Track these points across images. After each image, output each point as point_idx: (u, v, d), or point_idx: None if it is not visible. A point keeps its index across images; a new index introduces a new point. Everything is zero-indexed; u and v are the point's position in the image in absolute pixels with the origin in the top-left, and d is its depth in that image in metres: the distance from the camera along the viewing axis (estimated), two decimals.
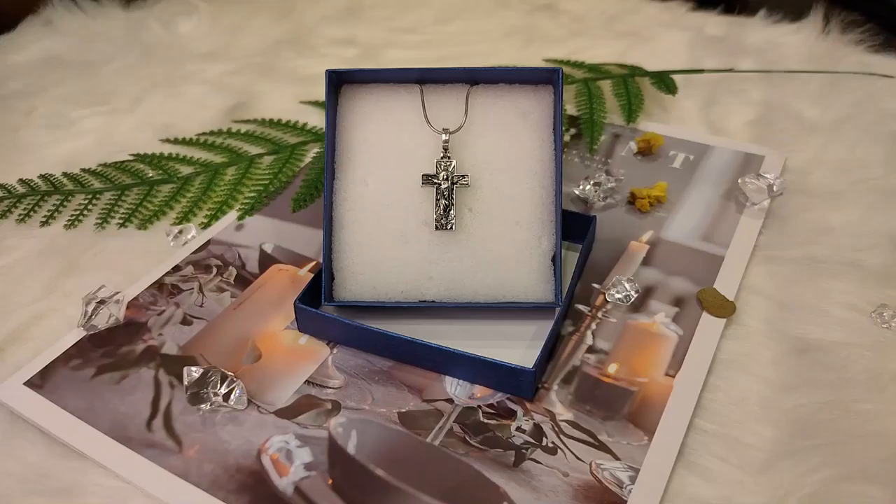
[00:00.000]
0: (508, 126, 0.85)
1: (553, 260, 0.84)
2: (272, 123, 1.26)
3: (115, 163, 1.16)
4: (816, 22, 1.50)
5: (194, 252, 0.94)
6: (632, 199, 1.04)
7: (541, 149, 0.85)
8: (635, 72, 1.32)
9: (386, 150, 0.86)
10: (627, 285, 0.88)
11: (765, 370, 0.80)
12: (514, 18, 1.63)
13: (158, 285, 0.93)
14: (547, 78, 0.85)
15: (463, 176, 0.83)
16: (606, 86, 1.28)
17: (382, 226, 0.82)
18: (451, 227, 0.83)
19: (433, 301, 0.84)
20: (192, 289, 0.93)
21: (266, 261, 0.91)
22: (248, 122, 1.26)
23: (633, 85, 1.27)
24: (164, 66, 1.49)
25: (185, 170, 1.15)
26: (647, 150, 1.15)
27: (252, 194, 1.02)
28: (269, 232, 0.95)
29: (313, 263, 0.91)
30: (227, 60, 1.51)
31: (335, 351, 0.81)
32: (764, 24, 1.57)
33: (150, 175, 1.14)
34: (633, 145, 1.17)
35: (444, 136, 0.83)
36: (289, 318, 0.82)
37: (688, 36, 1.53)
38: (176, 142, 1.23)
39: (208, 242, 0.98)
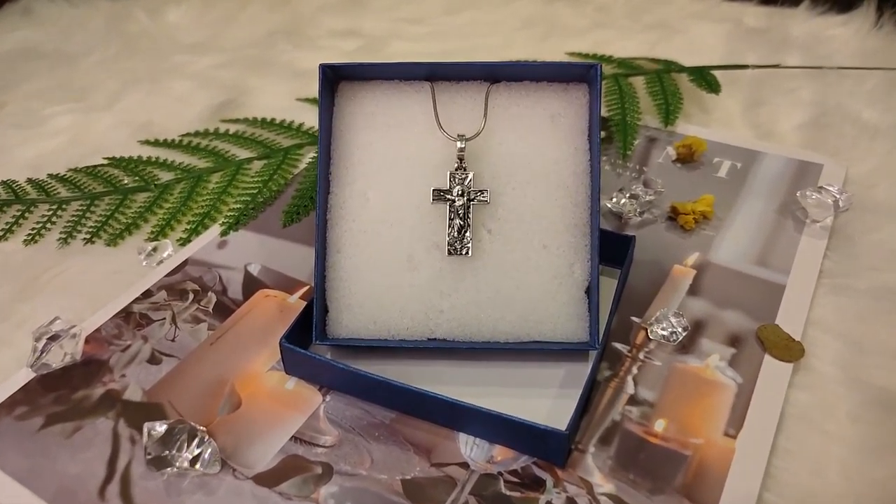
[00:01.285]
0: (535, 131, 0.72)
1: (588, 292, 0.71)
2: (264, 123, 1.13)
3: (87, 167, 1.04)
4: (867, 14, 1.36)
5: (169, 274, 0.81)
6: (673, 215, 0.90)
7: (573, 158, 0.72)
8: (670, 67, 1.18)
9: (390, 160, 0.73)
10: (674, 320, 0.75)
11: (843, 428, 0.67)
12: (530, 8, 1.49)
13: (125, 314, 0.81)
14: (580, 75, 0.72)
15: (481, 191, 0.70)
16: (639, 83, 1.15)
17: (385, 249, 0.69)
18: (467, 252, 0.70)
19: (444, 339, 0.71)
20: (164, 319, 0.80)
21: (251, 285, 0.79)
22: (236, 121, 1.14)
23: (670, 82, 1.14)
24: (148, 59, 1.37)
25: (165, 176, 1.03)
26: (688, 157, 1.01)
27: (238, 205, 0.90)
28: (255, 250, 0.83)
29: (306, 289, 0.78)
30: (216, 52, 1.38)
31: (328, 398, 0.68)
32: (808, 15, 1.43)
33: (125, 182, 1.01)
34: (671, 151, 1.03)
35: (458, 144, 0.70)
36: (275, 357, 0.70)
37: (724, 28, 1.39)
38: (156, 143, 1.11)
39: (185, 262, 0.86)
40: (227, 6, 1.56)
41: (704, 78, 1.13)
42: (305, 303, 0.76)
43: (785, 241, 0.88)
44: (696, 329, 0.77)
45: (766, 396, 0.69)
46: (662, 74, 1.15)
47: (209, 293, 0.81)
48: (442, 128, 0.71)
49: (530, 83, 0.74)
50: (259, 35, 1.43)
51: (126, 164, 1.04)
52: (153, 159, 1.03)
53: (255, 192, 0.93)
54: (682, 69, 1.18)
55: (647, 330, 0.76)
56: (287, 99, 1.16)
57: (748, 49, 1.30)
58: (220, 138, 1.07)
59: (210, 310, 0.79)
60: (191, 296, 0.83)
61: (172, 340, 0.78)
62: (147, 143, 1.08)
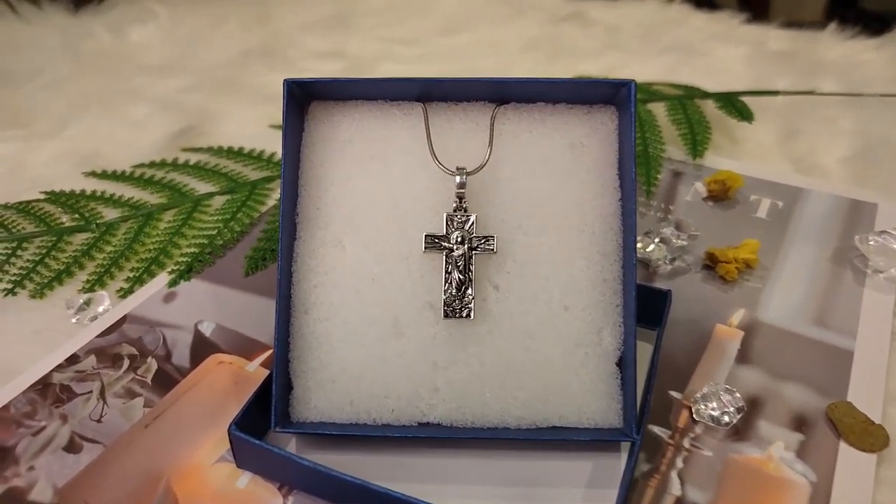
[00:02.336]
0: (552, 164, 0.59)
1: (621, 364, 0.57)
2: (230, 153, 1.00)
3: (19, 203, 0.91)
4: None
5: (102, 334, 0.68)
6: (711, 263, 0.78)
7: (601, 198, 0.59)
8: (693, 93, 1.07)
9: (372, 198, 0.59)
10: (726, 398, 0.61)
11: None
12: (535, 29, 1.38)
13: (42, 386, 0.66)
14: (608, 95, 0.59)
15: (486, 238, 0.57)
16: (658, 110, 1.03)
17: (366, 310, 0.56)
18: (468, 315, 0.56)
19: (440, 426, 0.57)
20: (90, 393, 0.66)
21: (202, 348, 0.66)
22: (198, 150, 1.00)
23: (694, 109, 1.02)
24: (104, 81, 1.24)
25: (110, 214, 0.89)
26: (722, 195, 0.89)
27: (192, 249, 0.76)
28: (210, 305, 0.73)
29: (269, 354, 0.64)
30: (182, 74, 1.26)
31: (290, 501, 0.54)
32: (836, 39, 1.33)
33: (62, 221, 0.88)
34: (700, 187, 0.91)
35: (457, 179, 0.57)
36: (225, 444, 0.55)
37: (747, 51, 1.28)
38: (102, 176, 0.97)
39: (123, 319, 0.72)
40: (200, 24, 1.44)
41: (734, 104, 1.01)
42: (268, 372, 0.61)
43: (845, 295, 0.75)
44: (752, 408, 0.63)
45: (849, 497, 0.55)
46: (685, 101, 1.03)
47: (149, 359, 0.67)
48: (437, 159, 0.58)
49: (546, 105, 0.61)
50: (231, 55, 1.30)
51: (65, 200, 0.91)
52: (98, 194, 0.90)
53: (213, 233, 0.80)
54: (706, 95, 1.06)
55: (691, 409, 0.62)
56: (258, 125, 1.03)
57: (776, 73, 1.19)
58: (178, 170, 0.94)
59: (148, 380, 0.65)
60: (126, 362, 0.69)
61: (98, 421, 0.63)
62: (93, 175, 0.95)
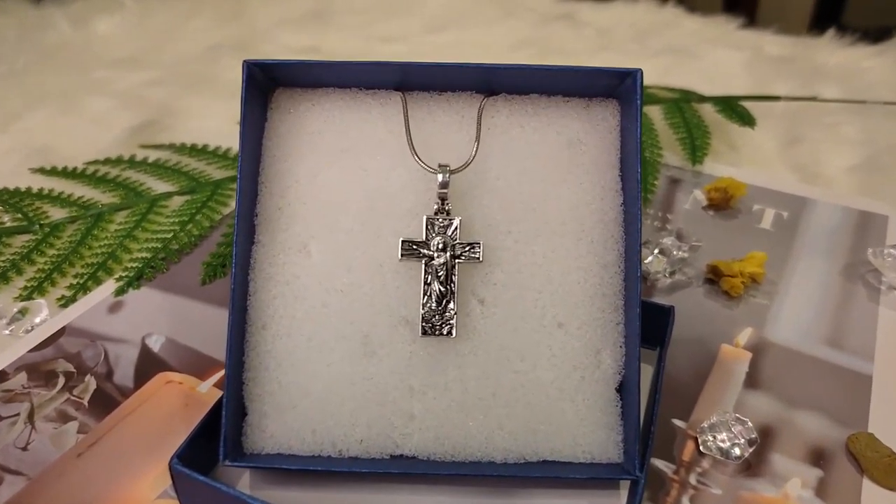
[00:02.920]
0: (547, 163, 0.53)
1: (621, 390, 0.50)
2: (193, 150, 0.93)
3: None
4: None
5: (36, 348, 0.61)
6: (714, 277, 0.72)
7: (600, 202, 0.52)
8: (690, 97, 1.01)
9: (343, 198, 0.53)
10: (736, 428, 0.55)
11: None
12: (524, 29, 1.32)
13: None
14: (610, 87, 0.53)
15: (471, 245, 0.50)
16: (654, 113, 0.97)
17: (332, 326, 0.49)
18: (450, 332, 0.49)
19: (415, 458, 0.50)
20: (17, 416, 0.58)
21: (148, 365, 0.60)
22: (159, 147, 0.92)
23: (692, 113, 0.96)
24: (64, 74, 1.16)
25: (56, 214, 0.82)
26: (723, 203, 0.83)
27: (144, 254, 0.68)
28: (160, 316, 0.68)
29: (222, 373, 0.56)
30: (148, 68, 1.18)
31: None
32: (836, 45, 1.28)
33: (3, 221, 0.80)
34: (700, 195, 0.85)
35: (440, 177, 0.50)
36: (168, 478, 0.47)
37: (744, 56, 1.23)
38: (52, 172, 0.89)
39: (62, 331, 0.64)
40: (170, 17, 1.37)
41: (734, 109, 0.96)
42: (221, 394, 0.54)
43: (859, 313, 0.70)
44: (765, 439, 0.57)
45: None
46: (682, 104, 0.97)
47: (87, 377, 0.60)
48: (417, 155, 0.51)
49: (539, 97, 0.55)
50: (201, 49, 1.23)
51: (8, 198, 0.83)
52: (46, 192, 0.82)
53: (169, 236, 0.73)
54: (703, 99, 1.00)
55: (697, 440, 0.56)
56: (224, 121, 0.96)
57: (774, 79, 1.14)
58: (135, 167, 0.87)
59: (85, 402, 0.58)
60: (61, 381, 0.61)
61: (24, 448, 0.56)
62: (41, 171, 0.86)
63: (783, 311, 0.70)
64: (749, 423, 0.56)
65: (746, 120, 0.94)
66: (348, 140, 0.54)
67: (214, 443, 0.50)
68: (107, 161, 0.92)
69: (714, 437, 0.56)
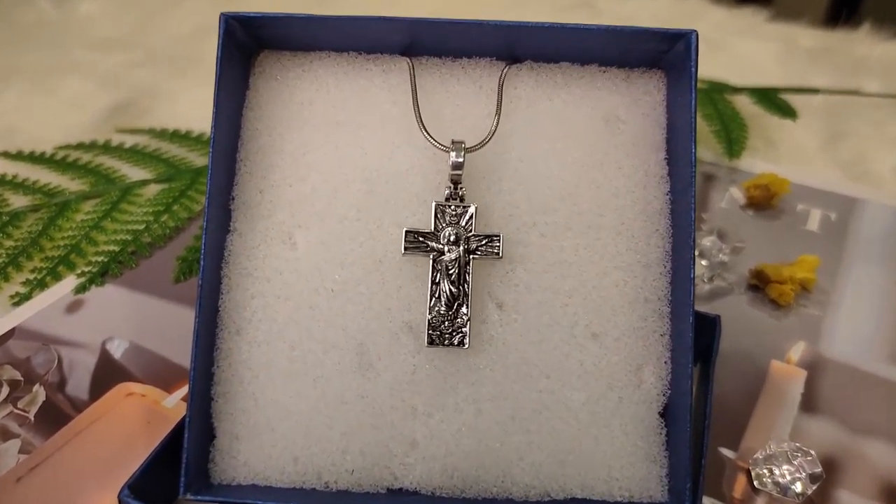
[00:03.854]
0: (580, 143, 0.45)
1: (666, 414, 0.42)
2: (175, 136, 0.85)
3: None
4: None
5: None
6: (759, 283, 0.64)
7: (643, 189, 0.45)
8: (721, 87, 0.93)
9: (336, 180, 0.45)
10: (797, 460, 0.46)
11: None
12: (540, 18, 1.24)
13: None
14: (656, 54, 0.45)
15: (488, 238, 0.42)
16: None
17: (321, 332, 0.41)
18: (462, 342, 0.41)
19: (417, 493, 0.42)
20: None
21: (108, 375, 0.55)
22: (137, 131, 0.84)
23: (725, 105, 0.88)
24: (40, 53, 1.09)
25: (19, 202, 0.74)
26: (764, 202, 0.75)
27: (112, 247, 0.60)
28: (125, 318, 0.62)
29: None
30: (132, 49, 1.11)
31: None
32: (874, 38, 1.20)
33: None
34: (737, 193, 0.77)
35: (453, 156, 0.42)
36: None
37: (777, 47, 1.16)
38: (17, 157, 0.82)
39: (11, 333, 0.57)
40: None
41: (772, 100, 0.88)
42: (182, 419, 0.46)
43: None
44: (829, 472, 0.49)
45: None
46: (714, 95, 0.90)
47: (35, 387, 0.53)
48: (426, 130, 0.43)
49: (571, 66, 0.47)
50: (192, 30, 1.15)
51: None
52: (10, 178, 0.74)
53: (140, 227, 0.64)
54: (737, 90, 0.93)
55: (750, 473, 0.48)
56: (210, 107, 0.87)
57: (810, 72, 1.06)
58: (109, 153, 0.80)
59: (31, 416, 0.51)
60: (4, 390, 0.53)
61: None
62: (4, 155, 0.78)
63: (838, 323, 0.62)
64: (813, 455, 0.48)
65: (787, 112, 0.87)
66: (345, 112, 0.46)
67: (175, 471, 0.41)
68: (79, 146, 0.85)
69: (770, 471, 0.48)
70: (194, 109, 0.94)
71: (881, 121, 0.95)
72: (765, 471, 0.48)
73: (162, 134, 0.86)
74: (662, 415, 0.44)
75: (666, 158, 0.46)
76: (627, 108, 0.47)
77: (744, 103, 0.91)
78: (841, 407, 0.55)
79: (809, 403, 0.55)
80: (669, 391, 0.44)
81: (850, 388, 0.56)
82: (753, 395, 0.55)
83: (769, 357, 0.59)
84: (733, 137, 0.83)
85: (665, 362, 0.44)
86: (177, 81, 1.02)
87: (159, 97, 0.98)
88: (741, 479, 0.49)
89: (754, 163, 0.85)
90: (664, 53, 0.46)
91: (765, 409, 0.54)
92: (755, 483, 0.48)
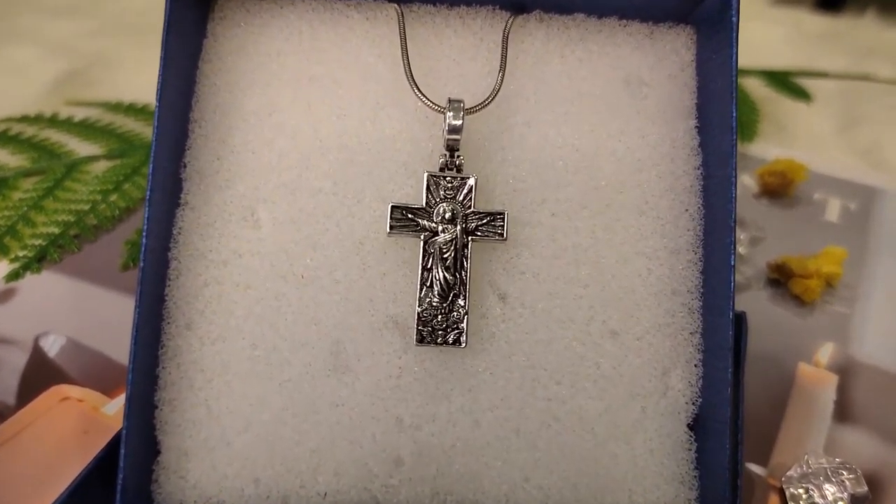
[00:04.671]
0: (597, 107, 0.39)
1: (695, 426, 0.36)
2: (129, 109, 0.78)
3: None
4: None
5: None
6: (780, 277, 0.58)
7: (670, 163, 0.39)
8: None
9: (310, 145, 0.38)
10: (839, 477, 0.41)
11: None
12: None
13: None
14: (685, 6, 0.39)
15: (490, 216, 0.36)
16: None
17: (289, 328, 0.34)
18: (458, 341, 0.35)
19: None
20: None
21: (40, 375, 0.51)
22: (88, 104, 0.77)
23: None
24: None
25: None
26: (780, 190, 0.70)
27: (52, 229, 0.52)
28: (63, 310, 0.55)
29: None
30: (86, 16, 1.03)
31: None
32: (880, 24, 1.16)
33: None
34: (749, 180, 0.71)
35: (449, 118, 0.36)
36: None
37: (782, 31, 1.11)
38: None
39: None
40: None
41: (784, 83, 0.83)
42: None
43: None
44: (872, 491, 0.43)
45: None
46: None
47: None
48: (417, 87, 0.37)
49: (587, 18, 0.41)
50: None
51: None
52: None
53: (86, 208, 0.57)
54: (745, 72, 0.87)
55: (784, 493, 0.42)
56: None
57: (820, 56, 1.02)
58: (56, 126, 0.72)
59: None
60: None
61: None
62: None
63: (868, 322, 0.57)
64: (858, 472, 0.42)
65: (800, 94, 0.81)
66: (320, 65, 0.40)
67: (111, 493, 0.34)
68: (23, 118, 0.77)
69: (807, 490, 0.42)
70: (150, 81, 0.86)
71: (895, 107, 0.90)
72: (800, 490, 0.43)
73: (116, 107, 0.79)
74: (692, 427, 0.38)
75: (697, 127, 0.40)
76: (652, 69, 0.41)
77: (753, 87, 0.86)
78: (878, 415, 0.49)
79: (843, 412, 0.50)
80: (700, 399, 0.38)
81: (886, 395, 0.51)
82: (780, 403, 0.50)
83: (795, 360, 0.54)
84: (744, 121, 0.78)
85: (695, 365, 0.38)
86: (133, 51, 0.95)
87: (113, 68, 0.90)
88: (774, 500, 0.43)
89: (767, 148, 0.79)
90: (695, 5, 0.40)
91: (795, 418, 0.48)
92: (790, 502, 0.42)
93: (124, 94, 0.83)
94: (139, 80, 0.88)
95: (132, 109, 0.78)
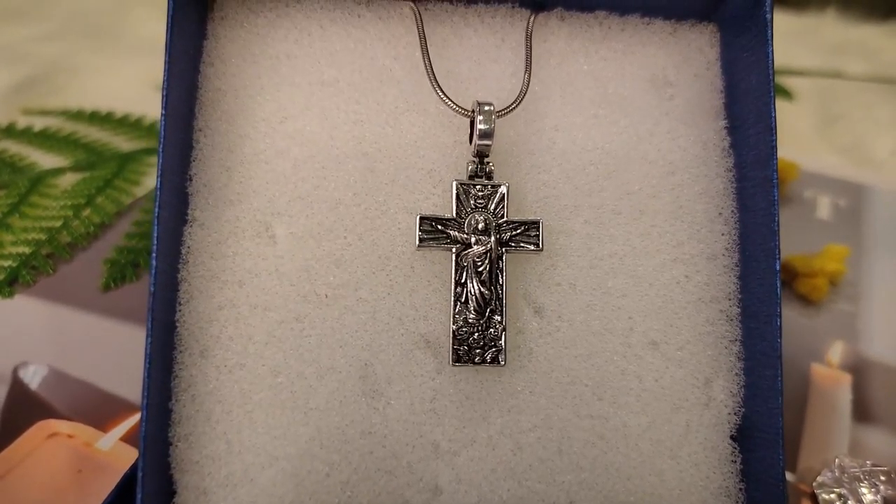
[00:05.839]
0: (627, 108, 0.37)
1: (739, 437, 0.35)
2: (93, 117, 0.74)
3: None
4: None
5: None
6: (785, 277, 0.59)
7: (702, 165, 0.38)
8: None
9: (324, 156, 0.35)
10: (876, 479, 0.41)
11: None
12: None
13: None
14: (707, 4, 0.38)
15: (524, 226, 0.34)
16: None
17: (313, 352, 0.31)
18: (497, 359, 0.33)
19: None
20: None
21: (23, 411, 0.47)
22: (48, 113, 0.73)
23: None
24: None
25: None
26: None
27: (21, 249, 0.49)
28: (42, 337, 0.51)
29: (135, 422, 0.38)
30: (39, 20, 0.97)
31: None
32: (844, 23, 1.19)
33: None
34: None
35: (479, 122, 0.34)
36: None
37: None
38: None
39: None
40: None
41: None
42: (134, 455, 0.36)
43: None
44: None
45: None
46: None
47: None
48: (440, 89, 0.35)
49: (609, 15, 0.39)
50: (108, 1, 1.02)
51: None
52: None
53: (57, 224, 0.54)
54: None
55: (815, 498, 0.41)
56: (136, 85, 0.77)
57: (792, 54, 1.03)
58: (14, 137, 0.68)
59: None
60: None
61: None
62: None
63: (874, 320, 0.58)
64: (893, 475, 0.42)
65: (782, 94, 0.82)
66: (333, 68, 0.37)
67: None
68: None
69: (841, 495, 0.42)
70: (115, 86, 0.83)
71: (871, 104, 0.92)
72: (833, 495, 0.42)
73: (78, 115, 0.75)
74: (734, 438, 0.37)
75: (726, 127, 0.39)
76: (677, 68, 0.40)
77: None
78: (891, 414, 0.49)
79: (862, 411, 0.49)
80: (742, 409, 0.37)
81: None
82: (798, 406, 0.50)
83: (807, 360, 0.53)
84: None
85: (736, 374, 0.37)
86: (92, 56, 0.90)
87: (73, 74, 0.86)
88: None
89: None
90: (719, 2, 0.39)
91: (816, 421, 0.48)
92: None
93: (85, 100, 0.79)
94: (101, 85, 0.84)
95: (96, 117, 0.74)
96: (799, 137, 0.85)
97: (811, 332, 0.56)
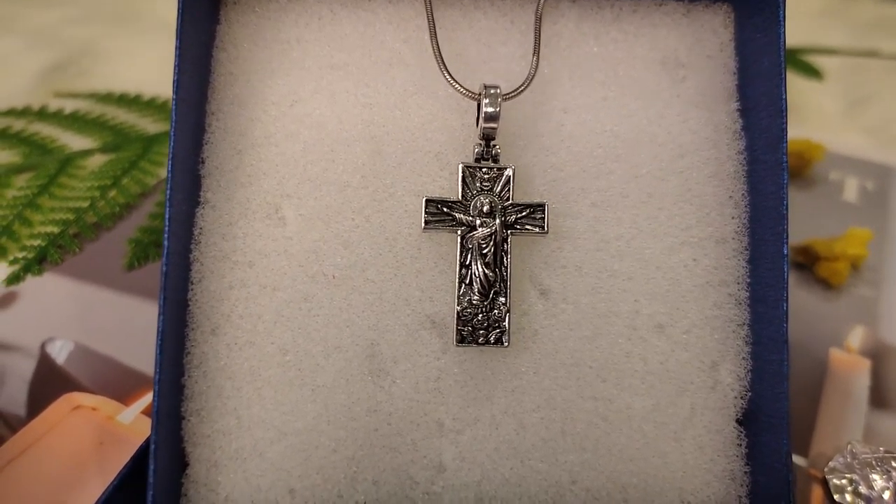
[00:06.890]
0: (636, 91, 0.37)
1: (745, 421, 0.35)
2: (122, 100, 0.75)
3: None
4: None
5: None
6: (805, 261, 0.57)
7: (713, 148, 0.37)
8: None
9: (335, 137, 0.36)
10: (885, 466, 0.40)
11: None
12: None
13: None
14: None
15: (530, 209, 0.34)
16: None
17: (320, 331, 0.32)
18: (501, 340, 0.33)
19: None
20: None
21: (49, 384, 0.48)
22: (77, 95, 0.74)
23: None
24: None
25: None
26: (796, 170, 0.69)
27: (50, 228, 0.50)
28: (69, 314, 0.52)
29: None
30: (65, 4, 0.99)
31: None
32: (877, 1, 1.15)
33: None
34: None
35: (485, 105, 0.34)
36: None
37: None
38: None
39: None
40: None
41: (796, 61, 0.81)
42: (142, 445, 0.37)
43: None
44: None
45: None
46: None
47: None
48: (448, 73, 0.35)
49: None
50: None
51: None
52: None
53: (84, 205, 0.55)
54: None
55: (827, 484, 0.41)
56: (160, 66, 0.78)
57: (822, 32, 1.00)
58: (46, 119, 0.69)
59: None
60: None
61: None
62: None
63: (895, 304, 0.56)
64: None
65: (811, 72, 0.80)
66: (343, 52, 0.38)
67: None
68: (10, 112, 0.75)
69: (852, 481, 0.41)
70: (140, 70, 0.84)
71: None
72: (844, 481, 0.42)
73: (107, 98, 0.76)
74: (740, 422, 0.37)
75: (739, 110, 0.38)
76: (690, 50, 0.39)
77: None
78: None
79: (878, 397, 0.49)
80: (749, 393, 0.36)
81: None
82: (814, 390, 0.49)
83: (826, 345, 0.53)
84: None
85: (743, 358, 0.37)
86: (120, 40, 0.92)
87: (102, 57, 0.87)
88: (817, 492, 0.42)
89: None
90: None
91: (831, 406, 0.48)
92: (835, 497, 0.42)
93: (114, 84, 0.81)
94: (129, 68, 0.86)
95: (124, 100, 0.75)
96: (826, 117, 0.83)
97: (830, 317, 0.55)
